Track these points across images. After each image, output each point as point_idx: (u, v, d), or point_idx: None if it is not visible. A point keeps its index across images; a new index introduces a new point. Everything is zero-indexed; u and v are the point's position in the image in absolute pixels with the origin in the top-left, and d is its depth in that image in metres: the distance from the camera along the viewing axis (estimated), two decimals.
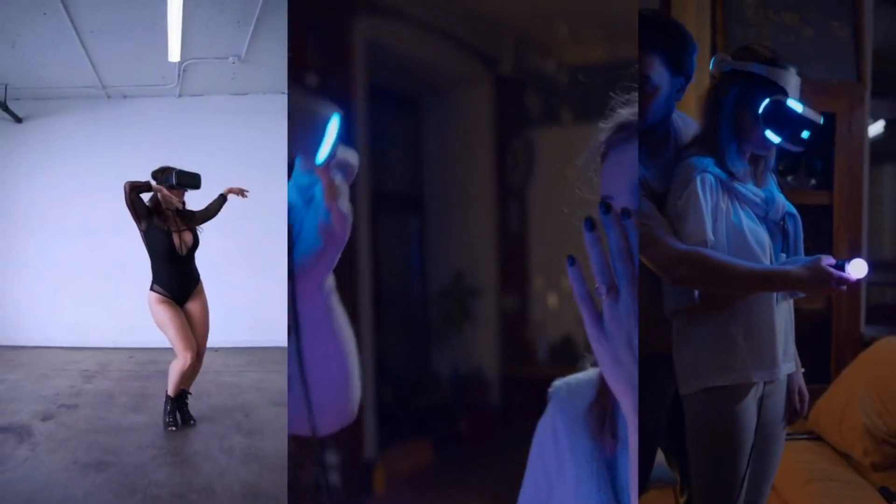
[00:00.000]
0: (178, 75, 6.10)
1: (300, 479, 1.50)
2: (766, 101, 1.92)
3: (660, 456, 2.26)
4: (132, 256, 5.84)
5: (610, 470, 0.98)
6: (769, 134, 1.92)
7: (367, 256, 1.58)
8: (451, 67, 1.58)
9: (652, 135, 2.02)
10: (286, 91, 4.26)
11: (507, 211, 1.63)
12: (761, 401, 1.95)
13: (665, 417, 2.13)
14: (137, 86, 6.51)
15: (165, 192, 3.82)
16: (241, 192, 4.17)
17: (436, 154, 1.63)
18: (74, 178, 6.74)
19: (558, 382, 1.10)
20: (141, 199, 3.80)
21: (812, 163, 3.52)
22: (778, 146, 1.97)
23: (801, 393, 2.10)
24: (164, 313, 3.85)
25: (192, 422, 3.99)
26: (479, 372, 1.62)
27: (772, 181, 2.07)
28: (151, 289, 3.90)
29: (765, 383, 1.96)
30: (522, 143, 1.61)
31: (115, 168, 6.31)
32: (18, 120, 6.79)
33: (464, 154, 1.64)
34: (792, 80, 1.95)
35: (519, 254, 1.61)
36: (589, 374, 1.08)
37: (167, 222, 3.85)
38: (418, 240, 1.66)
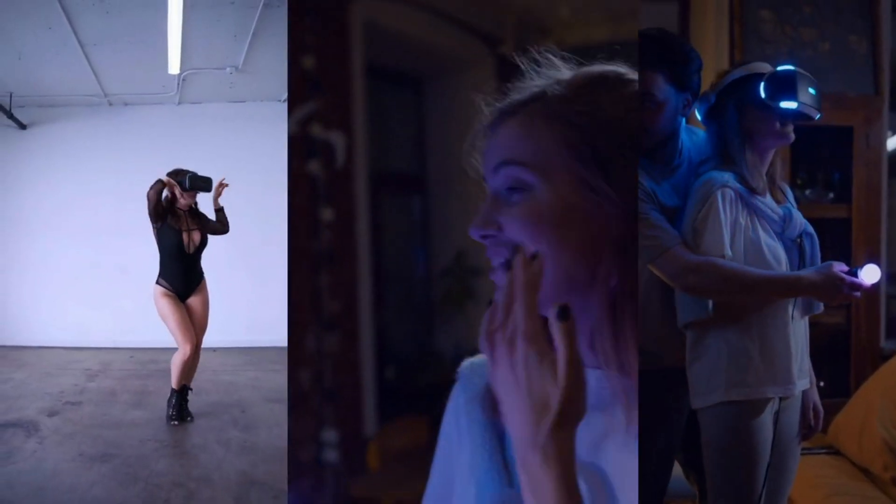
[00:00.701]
0: (178, 84, 6.29)
1: (299, 457, 1.55)
2: (761, 82, 1.92)
3: (678, 469, 2.25)
4: (133, 259, 6.05)
5: (500, 441, 0.97)
6: (785, 104, 1.90)
7: (367, 236, 1.55)
8: (452, 47, 1.56)
9: (661, 150, 2.04)
10: (283, 99, 4.51)
11: None
12: (777, 416, 1.94)
13: (681, 430, 2.12)
14: (138, 94, 6.70)
15: (172, 182, 4.08)
16: (220, 185, 4.34)
17: (438, 134, 1.60)
18: (77, 183, 6.92)
19: (466, 362, 1.08)
20: (161, 203, 4.06)
21: (830, 176, 3.50)
22: (807, 119, 1.95)
23: (815, 409, 2.09)
24: (167, 307, 4.10)
25: (189, 418, 4.19)
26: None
27: (790, 197, 2.07)
28: (157, 282, 4.14)
29: (780, 398, 1.94)
30: None
31: (116, 173, 6.70)
32: (23, 126, 6.96)
33: (466, 134, 1.57)
34: (767, 68, 1.97)
35: None
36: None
37: (179, 222, 4.09)
38: (420, 219, 1.64)
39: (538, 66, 1.00)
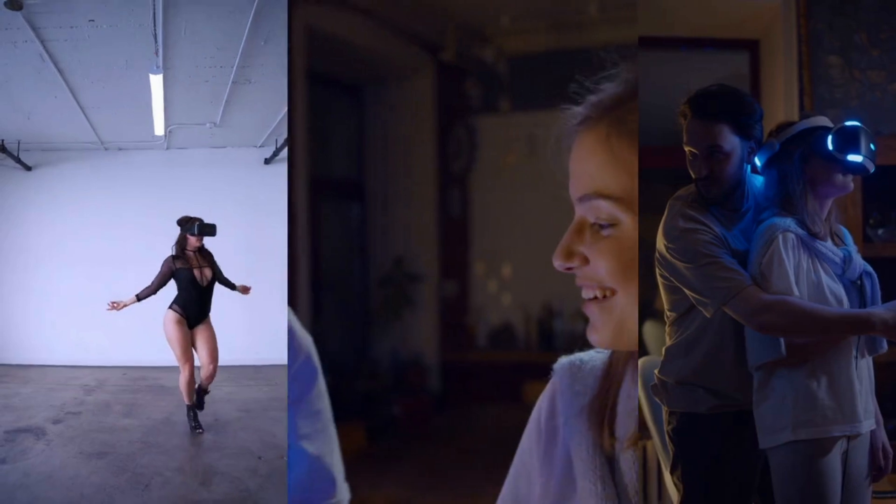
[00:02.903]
0: (165, 134, 6.92)
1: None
2: (829, 135, 1.97)
3: None
4: (125, 286, 6.19)
5: (611, 464, 0.91)
6: (851, 157, 1.94)
7: (307, 242, 1.50)
8: (393, 55, 1.52)
9: (730, 198, 2.07)
10: (259, 144, 5.40)
11: (449, 197, 1.59)
12: (845, 456, 1.92)
13: (758, 472, 2.09)
14: (130, 141, 7.37)
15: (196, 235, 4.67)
16: (246, 290, 5.07)
17: (378, 141, 1.55)
18: (76, 219, 7.48)
19: (564, 360, 1.01)
20: (156, 285, 4.69)
21: None
22: (864, 172, 1.99)
23: (884, 450, 2.05)
24: (175, 331, 4.67)
25: (199, 430, 4.78)
26: (418, 358, 1.57)
27: (848, 240, 2.09)
28: (171, 307, 4.69)
29: (848, 439, 1.92)
30: (465, 131, 1.54)
31: (111, 210, 7.38)
32: (28, 168, 7.58)
33: (406, 141, 1.58)
34: (827, 122, 2.04)
35: (460, 240, 1.56)
36: (594, 359, 0.98)
37: (189, 262, 4.67)
38: (359, 226, 1.60)
39: (604, 66, 0.92)
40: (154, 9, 3.56)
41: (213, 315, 5.06)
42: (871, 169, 1.98)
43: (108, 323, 6.90)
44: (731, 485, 2.06)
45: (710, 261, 1.96)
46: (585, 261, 0.87)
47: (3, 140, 6.91)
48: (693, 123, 2.05)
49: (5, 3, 3.54)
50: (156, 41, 3.87)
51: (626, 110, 0.87)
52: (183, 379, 4.75)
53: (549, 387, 1.02)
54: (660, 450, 2.34)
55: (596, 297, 0.87)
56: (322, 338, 1.52)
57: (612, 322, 0.87)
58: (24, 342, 7.42)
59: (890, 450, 2.07)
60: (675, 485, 2.12)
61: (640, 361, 2.35)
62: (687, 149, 2.07)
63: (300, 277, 1.52)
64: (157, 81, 4.49)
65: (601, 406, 0.93)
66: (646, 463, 3.40)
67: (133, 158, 7.69)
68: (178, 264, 4.67)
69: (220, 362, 6.89)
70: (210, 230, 4.70)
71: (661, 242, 2.07)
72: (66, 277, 7.42)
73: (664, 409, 2.16)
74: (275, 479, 3.93)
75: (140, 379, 6.61)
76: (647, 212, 2.30)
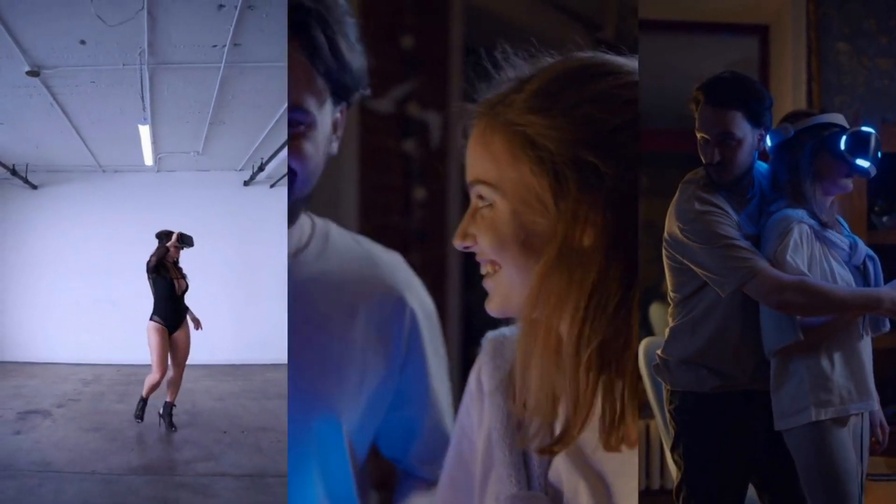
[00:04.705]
0: (155, 161, 7.50)
1: None
2: (844, 136, 1.97)
3: (751, 491, 2.21)
4: (121, 294, 7.30)
5: (520, 430, 0.93)
6: (860, 162, 1.96)
7: (460, 216, 1.32)
8: (550, 31, 1.44)
9: (740, 184, 2.07)
10: (239, 168, 6.36)
11: None
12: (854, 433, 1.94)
13: (757, 452, 2.09)
14: (125, 164, 8.02)
15: (174, 241, 4.93)
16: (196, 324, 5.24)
17: None
18: (76, 233, 7.90)
19: (490, 335, 1.02)
20: (160, 261, 4.91)
21: None
22: (866, 176, 2.03)
23: (882, 426, 2.09)
24: (155, 340, 4.98)
25: (173, 428, 5.03)
26: None
27: (845, 225, 2.12)
28: (152, 318, 4.96)
29: (860, 416, 1.95)
30: None
31: (107, 225, 7.96)
32: (34, 187, 8.07)
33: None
34: (842, 120, 2.06)
35: None
36: (514, 333, 0.98)
37: (169, 272, 4.95)
38: None
39: (500, 66, 0.95)
40: (141, 76, 4.54)
41: (201, 318, 5.37)
42: (873, 174, 2.04)
43: (105, 326, 7.81)
44: (732, 465, 2.07)
45: (728, 242, 1.98)
46: (476, 240, 0.92)
47: (13, 164, 7.59)
48: (706, 110, 2.06)
49: (27, 72, 4.53)
50: (142, 100, 4.84)
51: (505, 104, 0.91)
52: (149, 380, 5.08)
53: (477, 359, 1.04)
54: (661, 429, 2.34)
55: (488, 272, 0.92)
56: (472, 311, 1.56)
57: (500, 293, 0.92)
58: (30, 343, 7.97)
59: (887, 426, 2.12)
60: (676, 462, 2.15)
61: (643, 342, 2.39)
62: (699, 134, 2.09)
63: (451, 251, 1.50)
64: (144, 130, 5.45)
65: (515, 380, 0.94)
66: (648, 442, 3.48)
67: (128, 180, 8.23)
68: (161, 272, 5.04)
69: (203, 362, 6.84)
70: (189, 241, 4.98)
71: (672, 224, 2.09)
72: (68, 286, 7.91)
73: (665, 389, 2.18)
74: (234, 447, 4.83)
75: (132, 374, 6.91)
76: (655, 196, 2.57)
